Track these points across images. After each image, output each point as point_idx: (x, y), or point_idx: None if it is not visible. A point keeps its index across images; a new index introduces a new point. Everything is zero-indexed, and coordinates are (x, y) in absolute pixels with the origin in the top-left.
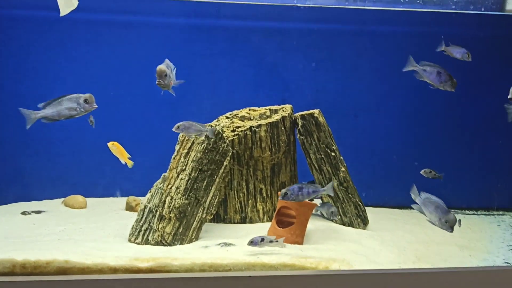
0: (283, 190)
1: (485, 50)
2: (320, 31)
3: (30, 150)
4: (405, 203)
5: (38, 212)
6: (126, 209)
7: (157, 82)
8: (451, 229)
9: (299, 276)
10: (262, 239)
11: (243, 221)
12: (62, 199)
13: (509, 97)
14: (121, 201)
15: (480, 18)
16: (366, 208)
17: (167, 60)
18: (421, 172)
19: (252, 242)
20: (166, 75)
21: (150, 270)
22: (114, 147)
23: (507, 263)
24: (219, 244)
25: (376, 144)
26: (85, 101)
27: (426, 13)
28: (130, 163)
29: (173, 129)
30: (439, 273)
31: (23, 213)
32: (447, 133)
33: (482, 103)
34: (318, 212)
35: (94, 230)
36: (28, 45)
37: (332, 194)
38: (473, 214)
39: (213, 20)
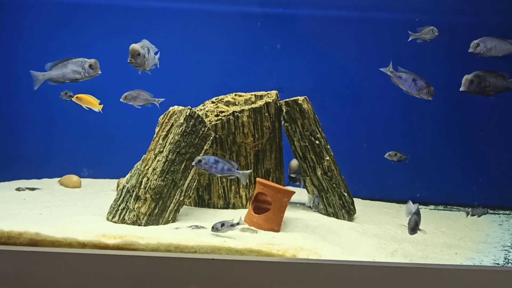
0: (198, 157)
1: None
2: (319, 18)
3: (35, 130)
4: (406, 198)
5: (32, 189)
6: (117, 190)
7: (128, 60)
8: (410, 231)
9: (263, 262)
10: (222, 224)
11: (226, 206)
12: (59, 179)
13: (461, 89)
14: (115, 182)
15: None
16: (363, 200)
17: (144, 40)
18: (385, 156)
19: (213, 228)
20: (139, 54)
21: (117, 247)
22: (80, 99)
23: (496, 263)
24: (191, 226)
25: (376, 136)
26: (90, 66)
27: None
28: (100, 108)
29: (121, 100)
30: (409, 269)
31: (18, 189)
32: (453, 128)
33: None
34: (309, 205)
35: (78, 208)
36: (23, 29)
37: (244, 183)
38: None
39: (214, 5)
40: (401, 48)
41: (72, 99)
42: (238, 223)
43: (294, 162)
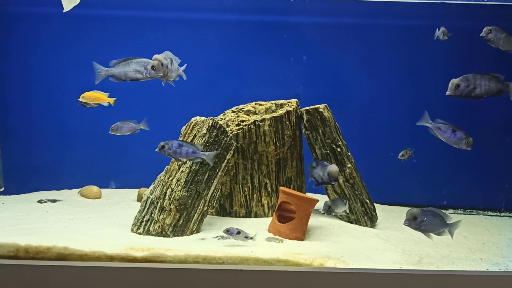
0: (162, 143)
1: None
2: (334, 25)
3: (53, 141)
4: (424, 202)
5: (54, 201)
6: (138, 200)
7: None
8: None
9: (291, 272)
10: (238, 232)
11: (248, 215)
12: (79, 189)
13: (447, 93)
14: (135, 192)
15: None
16: (382, 206)
17: (167, 52)
18: (399, 157)
19: (227, 231)
20: (162, 65)
21: (145, 260)
22: (87, 97)
23: None
24: (216, 237)
25: (393, 141)
26: (152, 67)
27: (442, 5)
28: (112, 101)
29: (110, 132)
30: (438, 276)
31: (39, 201)
32: (473, 132)
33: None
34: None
35: (101, 219)
36: (34, 42)
37: (211, 163)
38: (496, 215)
39: (228, 14)
40: (414, 54)
41: (79, 99)
42: (252, 238)
43: (334, 168)
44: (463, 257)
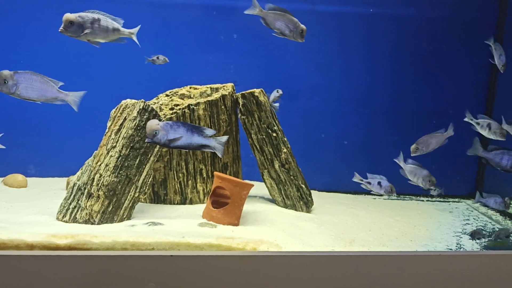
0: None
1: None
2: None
3: None
4: (361, 189)
5: None
6: (66, 189)
7: (59, 30)
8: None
9: (223, 257)
10: None
11: (183, 202)
12: (2, 178)
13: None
14: (64, 181)
15: None
16: (319, 192)
17: (91, 10)
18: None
19: None
20: (72, 23)
21: (69, 248)
22: None
23: (450, 249)
24: (147, 223)
25: (330, 128)
26: (301, 32)
27: None
28: None
29: None
30: (368, 257)
31: None
32: (403, 117)
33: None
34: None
35: (25, 208)
36: None
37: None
38: (428, 200)
39: None
40: (348, 41)
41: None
42: None
43: (426, 173)
44: (394, 239)
